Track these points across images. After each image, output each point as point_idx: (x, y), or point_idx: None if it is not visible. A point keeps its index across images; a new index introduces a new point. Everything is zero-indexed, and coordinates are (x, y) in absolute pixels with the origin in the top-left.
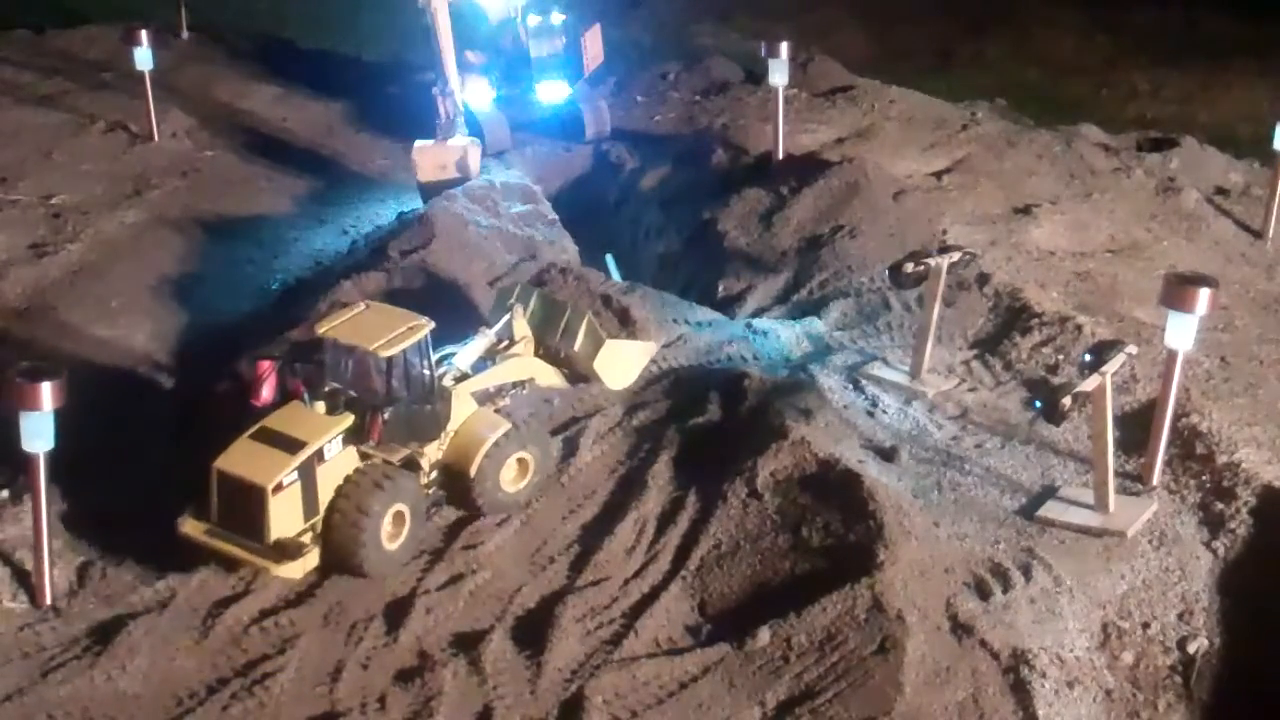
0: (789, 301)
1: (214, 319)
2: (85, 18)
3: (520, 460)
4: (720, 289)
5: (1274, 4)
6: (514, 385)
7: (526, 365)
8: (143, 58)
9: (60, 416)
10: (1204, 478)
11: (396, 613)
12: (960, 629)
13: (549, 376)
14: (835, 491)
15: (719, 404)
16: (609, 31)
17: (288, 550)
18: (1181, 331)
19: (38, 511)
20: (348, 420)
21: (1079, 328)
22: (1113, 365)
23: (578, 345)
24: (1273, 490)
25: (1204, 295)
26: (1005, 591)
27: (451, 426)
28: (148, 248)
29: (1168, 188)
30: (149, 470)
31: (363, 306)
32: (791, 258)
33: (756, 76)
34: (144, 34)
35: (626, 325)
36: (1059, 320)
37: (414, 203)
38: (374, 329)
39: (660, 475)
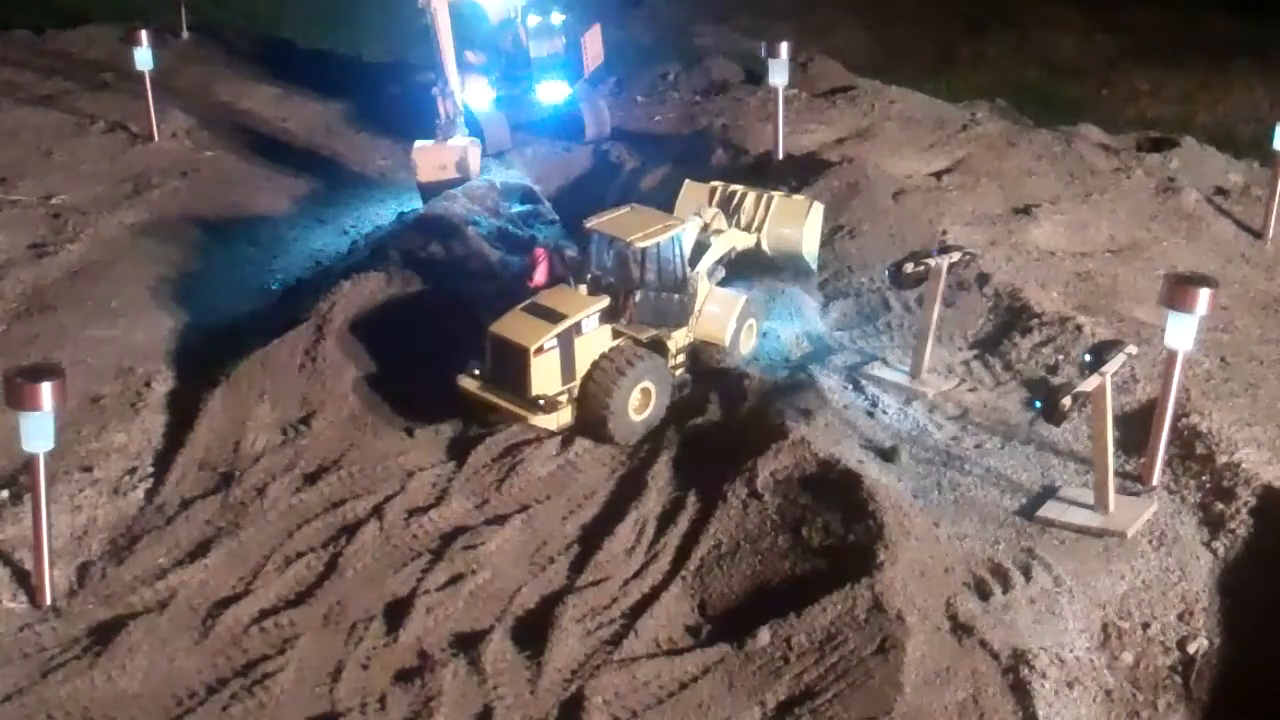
0: None
1: (214, 319)
2: (85, 18)
3: (750, 326)
4: None
5: (1274, 4)
6: (725, 256)
7: (730, 238)
8: (143, 58)
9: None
10: (1204, 478)
11: (396, 613)
12: (960, 629)
13: (745, 240)
14: (835, 491)
15: (719, 404)
16: (609, 31)
17: (545, 405)
18: (1181, 331)
19: (38, 511)
20: (604, 301)
21: (1079, 328)
22: (1113, 365)
23: (793, 198)
24: (1273, 490)
25: (1204, 295)
26: (1005, 592)
27: (696, 306)
28: (148, 248)
29: (1168, 188)
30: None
31: (628, 208)
32: None
33: (756, 76)
34: (144, 34)
35: None
36: (1059, 320)
37: (414, 203)
38: (633, 225)
39: (660, 475)
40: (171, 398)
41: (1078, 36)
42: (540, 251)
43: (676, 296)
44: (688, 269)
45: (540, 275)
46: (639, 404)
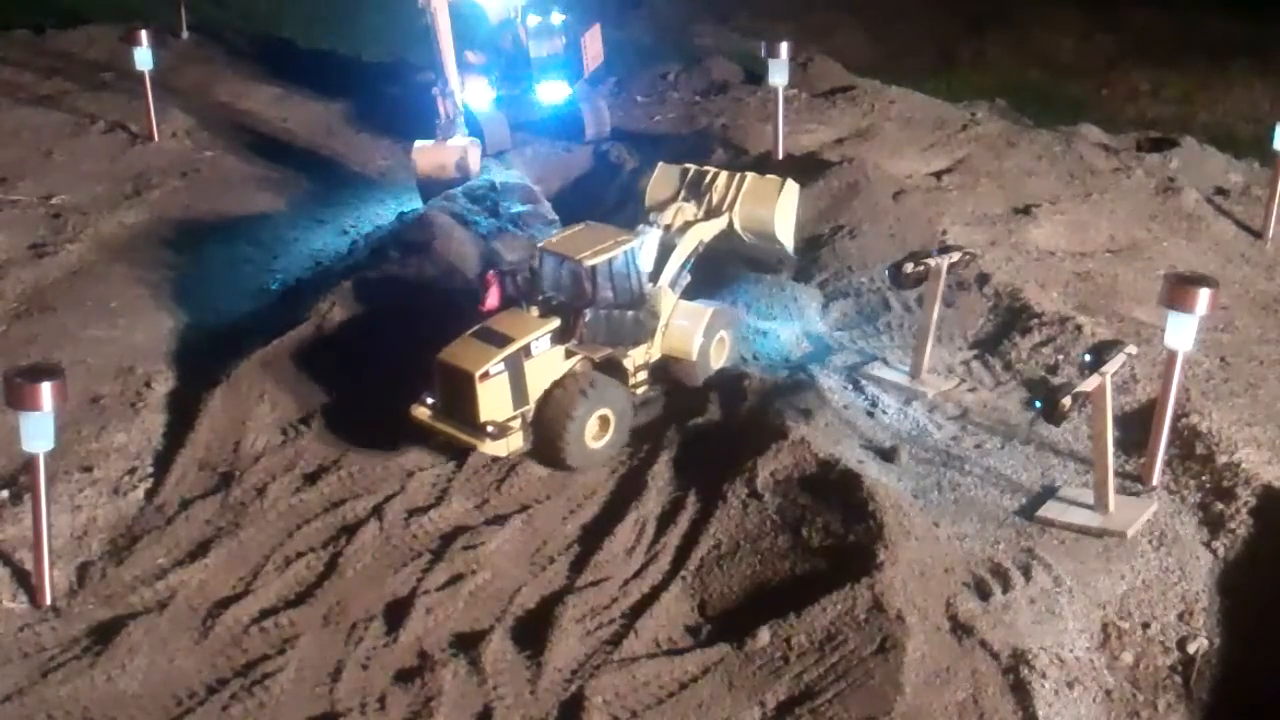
0: None
1: (214, 319)
2: (85, 18)
3: (720, 339)
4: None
5: (1274, 4)
6: (690, 258)
7: (697, 232)
8: (143, 58)
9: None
10: (1204, 478)
11: (396, 613)
12: (960, 629)
13: (712, 228)
14: (835, 491)
15: (719, 404)
16: (609, 31)
17: (494, 431)
18: (1181, 331)
19: (38, 511)
20: (555, 322)
21: (1079, 328)
22: (1113, 365)
23: (766, 176)
24: (1273, 490)
25: (1204, 295)
26: (1005, 591)
27: (661, 322)
28: (148, 248)
29: (1168, 188)
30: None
31: (581, 226)
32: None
33: (756, 76)
34: (144, 34)
35: None
36: (1059, 320)
37: (414, 203)
38: (584, 243)
39: (660, 475)
40: (171, 398)
41: (1077, 36)
42: (491, 275)
43: (631, 313)
44: (644, 284)
45: (492, 299)
46: (596, 431)
